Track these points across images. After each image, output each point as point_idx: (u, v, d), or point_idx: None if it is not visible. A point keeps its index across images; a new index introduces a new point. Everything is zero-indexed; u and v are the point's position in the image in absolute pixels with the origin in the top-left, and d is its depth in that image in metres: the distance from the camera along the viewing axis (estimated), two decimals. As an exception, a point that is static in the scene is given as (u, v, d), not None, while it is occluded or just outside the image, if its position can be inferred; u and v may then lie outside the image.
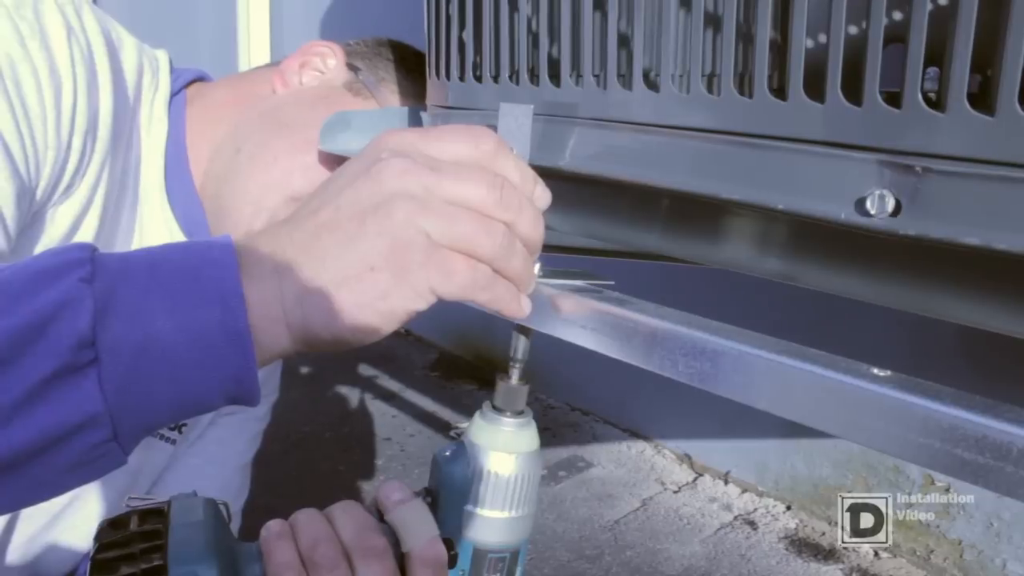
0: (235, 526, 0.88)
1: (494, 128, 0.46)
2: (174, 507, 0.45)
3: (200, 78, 0.77)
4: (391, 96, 0.75)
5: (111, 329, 0.35)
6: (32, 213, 0.59)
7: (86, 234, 0.63)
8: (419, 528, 0.49)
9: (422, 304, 0.40)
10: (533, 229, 0.43)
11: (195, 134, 0.72)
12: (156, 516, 0.44)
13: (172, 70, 0.74)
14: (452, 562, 0.49)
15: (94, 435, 0.36)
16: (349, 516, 0.49)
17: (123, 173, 0.67)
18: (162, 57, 0.73)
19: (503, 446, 0.52)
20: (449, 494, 0.52)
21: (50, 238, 0.61)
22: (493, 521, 0.52)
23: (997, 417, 0.31)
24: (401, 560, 0.48)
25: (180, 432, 0.83)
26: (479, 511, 0.52)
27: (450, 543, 0.49)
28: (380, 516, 0.51)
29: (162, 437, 0.81)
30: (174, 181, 0.71)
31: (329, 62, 0.76)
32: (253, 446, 0.92)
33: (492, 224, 0.40)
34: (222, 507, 0.48)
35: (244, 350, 0.37)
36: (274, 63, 0.79)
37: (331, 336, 0.40)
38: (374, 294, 0.39)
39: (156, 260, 0.38)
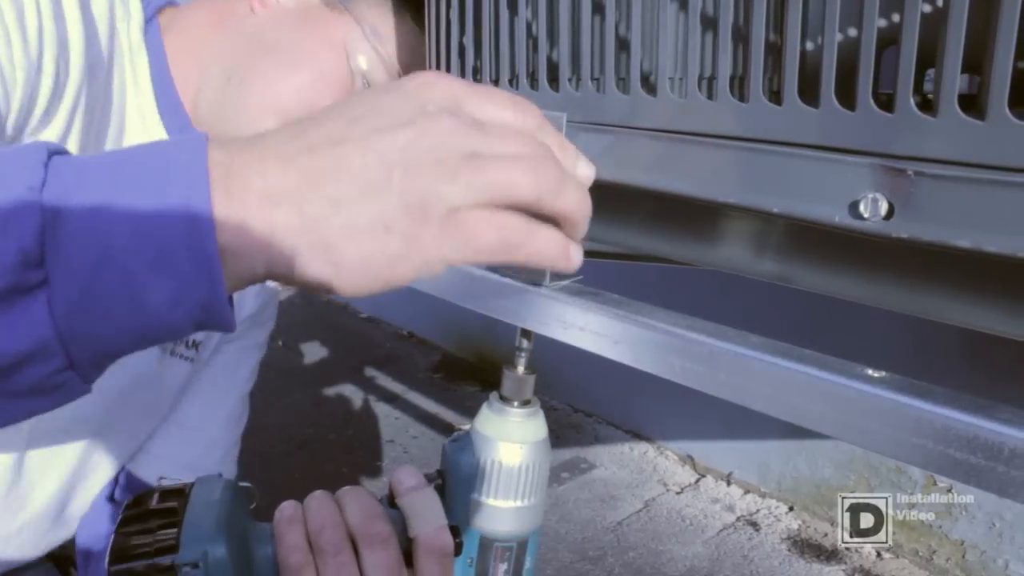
0: (235, 453, 0.92)
1: None
2: (196, 488, 0.47)
3: (169, 3, 0.76)
4: (367, 10, 0.72)
5: (62, 247, 0.31)
6: (10, 140, 0.58)
7: None
8: (428, 515, 0.50)
9: (427, 272, 0.36)
10: (578, 194, 0.38)
11: (178, 60, 0.71)
12: (176, 495, 0.46)
13: None
14: (458, 550, 0.50)
15: (48, 363, 0.32)
16: (356, 502, 0.50)
17: (104, 102, 0.67)
18: None
19: (510, 436, 0.52)
20: (457, 483, 0.52)
21: None
22: (500, 510, 0.53)
23: (989, 417, 0.32)
24: (407, 545, 0.49)
25: (196, 350, 0.84)
26: (486, 500, 0.52)
27: (456, 530, 0.50)
28: (391, 500, 0.52)
29: (181, 356, 0.82)
30: (166, 106, 0.71)
31: None
32: (252, 378, 0.94)
33: (535, 162, 0.36)
34: (251, 490, 0.51)
35: (212, 275, 0.33)
36: None
37: (319, 282, 0.35)
38: (382, 255, 0.35)
39: (118, 163, 0.34)
